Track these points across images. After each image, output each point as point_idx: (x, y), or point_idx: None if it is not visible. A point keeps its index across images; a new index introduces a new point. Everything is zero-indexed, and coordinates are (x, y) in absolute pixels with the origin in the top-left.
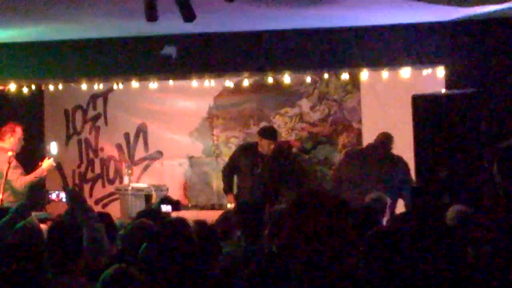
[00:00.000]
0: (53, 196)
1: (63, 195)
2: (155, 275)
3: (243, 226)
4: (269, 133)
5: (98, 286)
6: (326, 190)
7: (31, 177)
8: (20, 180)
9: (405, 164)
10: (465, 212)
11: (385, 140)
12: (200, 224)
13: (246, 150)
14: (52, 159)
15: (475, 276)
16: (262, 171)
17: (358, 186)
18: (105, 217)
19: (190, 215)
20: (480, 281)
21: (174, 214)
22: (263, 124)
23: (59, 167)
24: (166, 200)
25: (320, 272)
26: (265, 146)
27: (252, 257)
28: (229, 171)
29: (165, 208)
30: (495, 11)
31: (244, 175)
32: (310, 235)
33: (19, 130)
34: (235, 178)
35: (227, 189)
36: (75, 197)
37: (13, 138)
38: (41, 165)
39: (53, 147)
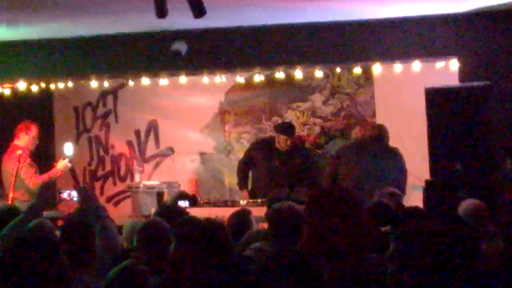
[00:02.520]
0: (65, 195)
1: (74, 194)
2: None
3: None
4: (287, 128)
5: (105, 282)
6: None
7: (45, 176)
8: (34, 180)
9: (401, 157)
10: (478, 206)
11: (380, 132)
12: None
13: (263, 145)
14: (67, 159)
15: (487, 269)
16: (278, 167)
17: (356, 182)
18: None
19: (202, 212)
20: (493, 274)
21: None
22: (275, 119)
23: (71, 167)
24: (183, 195)
25: (344, 269)
26: (282, 142)
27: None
28: (244, 166)
29: (183, 204)
30: (509, 3)
31: (260, 171)
32: (329, 233)
33: (34, 128)
34: (250, 174)
35: (242, 184)
36: (87, 196)
37: (28, 136)
38: (55, 166)
39: (68, 148)
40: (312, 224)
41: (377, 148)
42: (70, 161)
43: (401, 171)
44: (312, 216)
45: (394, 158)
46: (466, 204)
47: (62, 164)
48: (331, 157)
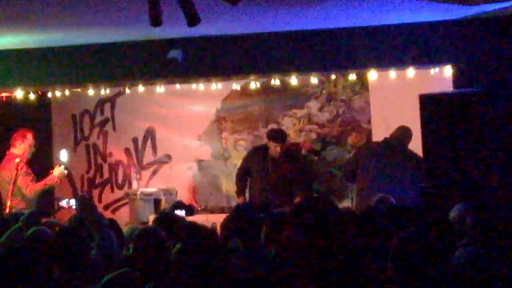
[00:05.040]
0: (64, 203)
1: (73, 202)
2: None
3: (240, 231)
4: (276, 135)
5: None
6: (325, 194)
7: (41, 184)
8: (31, 187)
9: (418, 162)
10: (468, 210)
11: (401, 135)
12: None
13: (257, 152)
14: (63, 166)
15: (477, 274)
16: (271, 173)
17: (373, 182)
18: (112, 224)
19: (200, 219)
20: (482, 278)
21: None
22: (271, 126)
23: (69, 174)
24: (180, 205)
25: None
26: (273, 149)
27: (250, 262)
28: (241, 174)
29: (179, 213)
30: (503, 9)
31: (256, 178)
32: (311, 240)
33: (30, 137)
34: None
35: (239, 192)
36: (86, 205)
37: (23, 145)
38: (51, 173)
39: (63, 155)
40: (292, 231)
41: (393, 151)
42: (66, 168)
43: (414, 176)
44: (294, 223)
45: (411, 161)
46: (458, 209)
47: (58, 171)
48: (350, 157)
